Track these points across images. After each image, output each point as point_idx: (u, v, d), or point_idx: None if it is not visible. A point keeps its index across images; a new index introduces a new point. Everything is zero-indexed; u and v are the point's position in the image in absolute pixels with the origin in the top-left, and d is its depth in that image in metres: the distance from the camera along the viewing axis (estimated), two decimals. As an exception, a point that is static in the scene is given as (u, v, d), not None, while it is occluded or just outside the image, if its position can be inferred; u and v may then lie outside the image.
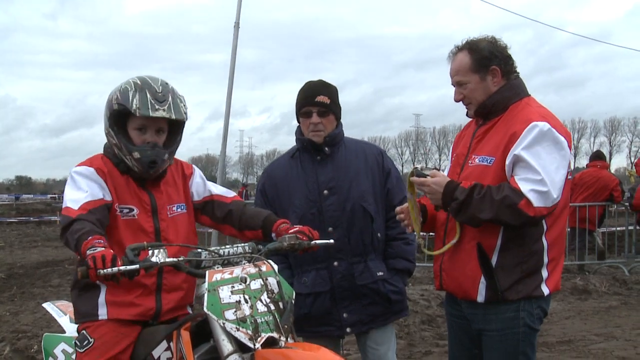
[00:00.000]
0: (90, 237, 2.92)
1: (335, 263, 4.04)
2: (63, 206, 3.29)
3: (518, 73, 3.65)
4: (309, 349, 2.89)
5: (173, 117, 3.33)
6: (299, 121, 4.19)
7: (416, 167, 3.54)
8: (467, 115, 3.73)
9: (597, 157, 13.41)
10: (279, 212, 4.08)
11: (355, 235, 4.06)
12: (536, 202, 3.23)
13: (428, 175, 3.47)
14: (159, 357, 3.16)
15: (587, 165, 13.52)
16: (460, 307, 3.67)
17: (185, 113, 3.43)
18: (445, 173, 3.75)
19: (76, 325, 3.48)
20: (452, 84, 3.66)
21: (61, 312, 4.21)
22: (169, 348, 3.14)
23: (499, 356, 3.51)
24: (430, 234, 3.97)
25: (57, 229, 27.61)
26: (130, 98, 3.28)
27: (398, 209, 3.71)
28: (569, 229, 12.62)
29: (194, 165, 3.81)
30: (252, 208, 3.84)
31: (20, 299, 10.97)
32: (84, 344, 3.30)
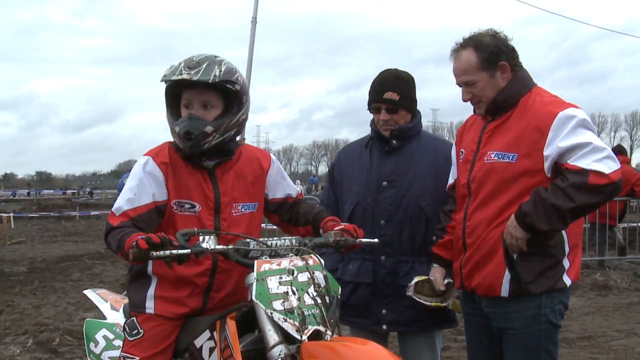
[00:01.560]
0: (133, 234, 2.92)
1: (383, 257, 3.99)
2: (115, 203, 3.28)
3: (521, 63, 3.58)
4: (357, 342, 2.88)
5: (193, 78, 3.12)
6: (370, 112, 4.11)
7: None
8: (475, 113, 3.67)
9: (618, 151, 13.27)
10: (340, 196, 4.19)
11: (407, 234, 3.98)
12: (604, 168, 3.14)
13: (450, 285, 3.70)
14: (202, 346, 3.20)
15: None
16: (479, 306, 3.61)
17: (216, 76, 3.17)
18: (453, 176, 3.80)
19: (116, 313, 3.58)
20: (458, 84, 3.58)
21: (102, 300, 4.27)
22: (212, 337, 3.17)
23: (521, 354, 3.47)
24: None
25: (78, 224, 28.07)
26: (168, 69, 3.22)
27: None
28: (589, 224, 12.67)
29: (272, 158, 3.68)
30: (306, 203, 3.80)
31: (41, 293, 11.10)
32: (134, 332, 3.32)
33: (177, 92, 3.28)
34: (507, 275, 3.37)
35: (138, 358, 3.23)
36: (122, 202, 3.20)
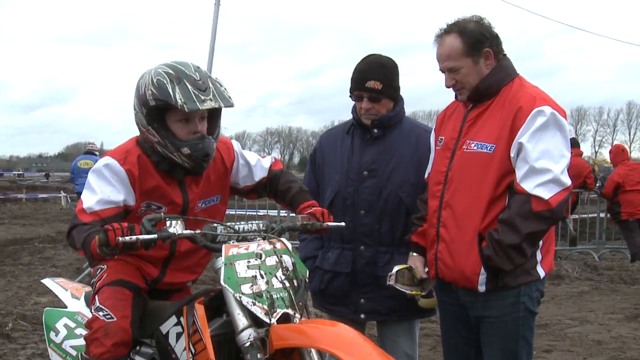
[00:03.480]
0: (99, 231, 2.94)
1: (362, 247, 3.99)
2: (81, 201, 3.25)
3: (504, 52, 3.60)
4: (325, 324, 2.93)
5: (222, 105, 3.19)
6: (352, 99, 4.09)
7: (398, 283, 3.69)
8: (457, 99, 3.68)
9: (573, 144, 13.54)
10: (321, 181, 4.17)
11: (386, 224, 3.96)
12: (545, 193, 3.24)
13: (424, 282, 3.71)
14: (168, 332, 3.18)
15: None
16: (455, 295, 3.64)
17: (230, 97, 3.25)
18: (430, 165, 3.80)
19: (77, 301, 3.61)
20: (441, 70, 3.58)
21: (62, 288, 4.21)
22: (178, 323, 3.15)
23: (499, 342, 3.51)
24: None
25: (25, 206, 27.58)
26: (171, 92, 3.09)
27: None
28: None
29: (235, 150, 3.64)
30: (286, 179, 3.76)
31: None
32: (97, 272, 3.37)
33: (163, 107, 3.21)
34: (483, 273, 3.40)
35: (104, 276, 3.31)
36: (93, 202, 3.18)
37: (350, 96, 4.04)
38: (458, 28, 3.48)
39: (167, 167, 3.31)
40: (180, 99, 3.07)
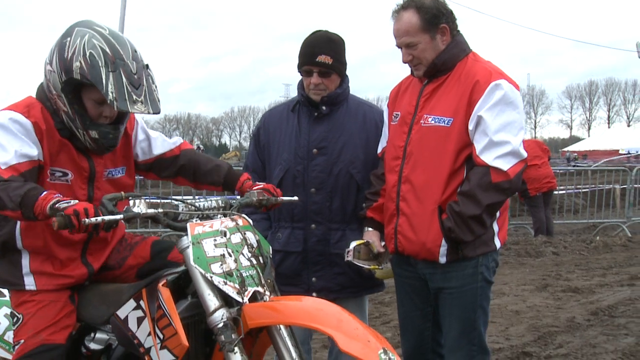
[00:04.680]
0: (45, 192, 2.73)
1: (313, 225, 3.95)
2: None
3: (459, 29, 3.60)
4: (293, 299, 2.89)
5: (151, 112, 2.96)
6: (301, 75, 4.00)
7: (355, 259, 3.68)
8: (413, 75, 3.66)
9: None
10: (267, 161, 4.09)
11: (337, 201, 3.94)
12: (504, 164, 3.29)
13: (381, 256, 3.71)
14: (127, 316, 2.98)
15: None
16: (414, 268, 3.64)
17: (159, 100, 3.05)
18: (385, 138, 3.81)
19: None
20: (398, 46, 3.54)
21: None
22: (138, 307, 2.96)
23: (458, 311, 3.53)
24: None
25: None
26: (104, 79, 2.85)
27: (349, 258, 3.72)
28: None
29: (137, 119, 3.45)
30: (205, 158, 3.65)
31: None
32: (14, 320, 3.15)
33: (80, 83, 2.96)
34: (444, 245, 3.43)
35: (23, 340, 3.05)
36: (8, 158, 2.87)
37: (298, 71, 3.97)
38: (415, 4, 3.45)
39: (67, 135, 3.09)
40: (112, 92, 2.85)
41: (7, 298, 3.44)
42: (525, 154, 3.37)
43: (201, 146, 66.84)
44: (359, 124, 3.98)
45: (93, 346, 3.19)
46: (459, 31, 3.57)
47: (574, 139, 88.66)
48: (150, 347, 2.86)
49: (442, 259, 3.44)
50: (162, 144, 3.52)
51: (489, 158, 3.29)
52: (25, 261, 3.14)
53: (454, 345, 3.56)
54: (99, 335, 3.19)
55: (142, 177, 3.73)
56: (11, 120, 2.94)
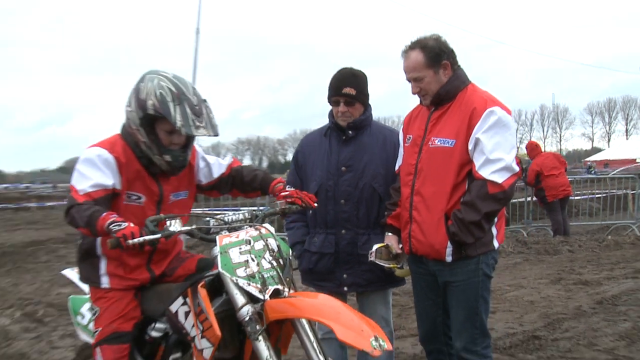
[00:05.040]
0: (104, 214, 2.85)
1: (343, 231, 3.96)
2: (72, 183, 3.10)
3: (459, 64, 3.61)
4: (310, 296, 2.93)
5: (212, 134, 3.10)
6: (330, 105, 4.04)
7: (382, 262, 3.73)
8: (421, 104, 3.69)
9: None
10: (304, 178, 4.11)
11: (363, 210, 3.95)
12: (499, 178, 3.30)
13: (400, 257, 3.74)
14: (177, 310, 3.09)
15: None
16: (426, 266, 3.65)
17: (217, 126, 3.18)
18: (400, 158, 3.81)
19: None
20: (408, 80, 3.58)
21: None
22: (185, 303, 3.06)
23: (463, 301, 3.54)
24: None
25: (35, 214, 27.11)
26: (172, 111, 3.00)
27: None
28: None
29: (197, 150, 3.53)
30: (247, 170, 3.68)
31: (16, 273, 10.74)
32: (94, 312, 3.32)
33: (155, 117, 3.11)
34: (449, 246, 3.44)
35: (101, 328, 3.23)
36: (86, 185, 3.03)
37: (328, 102, 4.02)
38: (420, 45, 3.50)
39: (146, 162, 3.21)
40: (179, 121, 2.99)
41: (88, 296, 3.57)
42: (517, 169, 3.37)
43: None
44: (379, 145, 3.99)
45: (154, 334, 3.27)
46: (459, 66, 3.58)
47: (596, 150, 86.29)
48: (195, 336, 2.95)
49: (449, 258, 3.47)
50: (219, 167, 3.60)
51: (486, 173, 3.32)
52: (103, 265, 3.29)
53: (460, 329, 3.56)
54: (158, 325, 3.26)
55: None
56: (97, 156, 3.09)
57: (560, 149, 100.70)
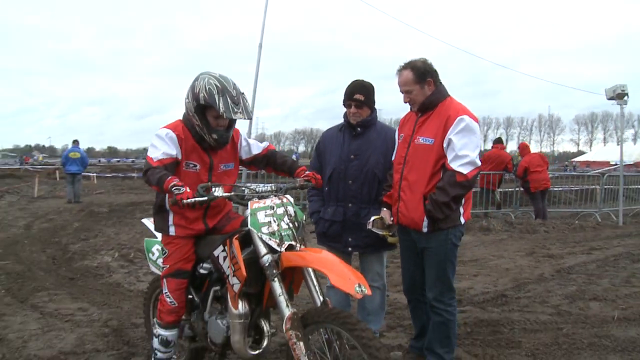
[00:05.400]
0: (169, 178, 2.92)
1: (350, 205, 4.01)
2: (148, 153, 3.20)
3: (441, 81, 3.62)
4: (315, 251, 2.93)
5: (246, 118, 3.18)
6: (345, 107, 4.09)
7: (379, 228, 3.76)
8: (411, 110, 3.72)
9: (499, 141, 13.52)
10: (323, 162, 4.16)
11: (366, 189, 3.99)
12: (465, 170, 3.33)
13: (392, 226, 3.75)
14: (218, 255, 3.18)
15: (492, 146, 13.62)
16: (409, 235, 3.68)
17: (252, 112, 3.27)
18: (395, 152, 3.82)
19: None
20: (401, 92, 3.62)
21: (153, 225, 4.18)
22: (224, 250, 3.14)
23: (435, 263, 3.57)
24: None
25: (136, 182, 27.88)
26: (217, 101, 3.10)
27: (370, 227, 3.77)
28: (479, 189, 12.92)
29: (240, 133, 3.61)
30: (280, 155, 3.72)
31: (119, 225, 11.21)
32: (163, 253, 3.42)
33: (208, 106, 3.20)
34: (426, 220, 3.48)
35: (168, 265, 3.36)
36: (158, 154, 3.14)
37: (343, 105, 4.06)
38: (411, 65, 3.54)
39: (199, 139, 3.28)
40: (222, 108, 3.08)
41: (158, 239, 3.69)
42: (479, 163, 3.38)
43: (296, 154, 66.98)
44: (381, 140, 4.03)
45: (202, 271, 3.40)
46: (441, 82, 3.59)
47: (580, 153, 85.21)
48: (228, 275, 3.05)
49: (425, 229, 3.51)
50: (257, 148, 3.65)
51: (455, 165, 3.35)
52: (170, 217, 3.37)
53: (431, 284, 3.61)
54: (205, 265, 3.38)
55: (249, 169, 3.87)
56: (165, 134, 3.21)
57: (553, 151, 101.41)
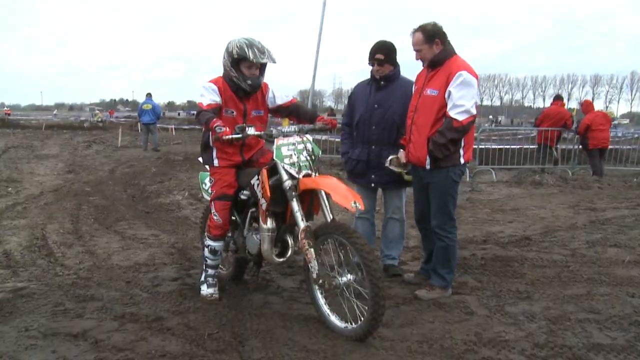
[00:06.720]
0: (215, 119, 3.53)
1: (373, 146, 4.42)
2: (198, 100, 3.78)
3: (449, 41, 3.90)
4: (326, 177, 3.42)
5: (273, 62, 3.76)
6: (369, 65, 4.44)
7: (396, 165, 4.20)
8: (422, 65, 4.04)
9: (558, 98, 13.30)
10: (353, 110, 4.60)
11: (387, 134, 4.38)
12: (460, 117, 3.72)
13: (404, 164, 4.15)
14: (254, 183, 3.74)
15: (551, 103, 13.37)
16: (417, 172, 4.09)
17: (275, 58, 3.79)
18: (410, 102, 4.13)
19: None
20: (414, 50, 3.96)
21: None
22: (258, 179, 3.71)
23: (439, 194, 3.96)
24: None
25: (198, 134, 28.81)
26: (247, 52, 3.69)
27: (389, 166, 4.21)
28: (537, 145, 12.95)
29: (268, 85, 4.05)
30: (303, 107, 4.19)
31: (191, 171, 12.21)
32: (211, 181, 4.05)
33: (240, 58, 3.75)
34: (428, 159, 3.90)
35: (214, 190, 3.97)
36: (207, 100, 3.74)
37: (369, 63, 4.41)
38: (421, 28, 3.90)
39: (235, 88, 3.85)
40: (252, 55, 3.68)
41: (208, 173, 4.26)
42: (474, 112, 3.76)
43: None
44: (401, 91, 4.37)
45: (242, 197, 3.99)
46: (449, 42, 3.91)
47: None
48: (259, 197, 3.68)
49: (428, 167, 3.94)
50: (282, 99, 4.11)
51: (452, 113, 3.74)
52: (214, 152, 4.01)
53: (435, 214, 4.03)
54: (245, 192, 3.96)
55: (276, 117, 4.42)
56: (209, 85, 3.83)
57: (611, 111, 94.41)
